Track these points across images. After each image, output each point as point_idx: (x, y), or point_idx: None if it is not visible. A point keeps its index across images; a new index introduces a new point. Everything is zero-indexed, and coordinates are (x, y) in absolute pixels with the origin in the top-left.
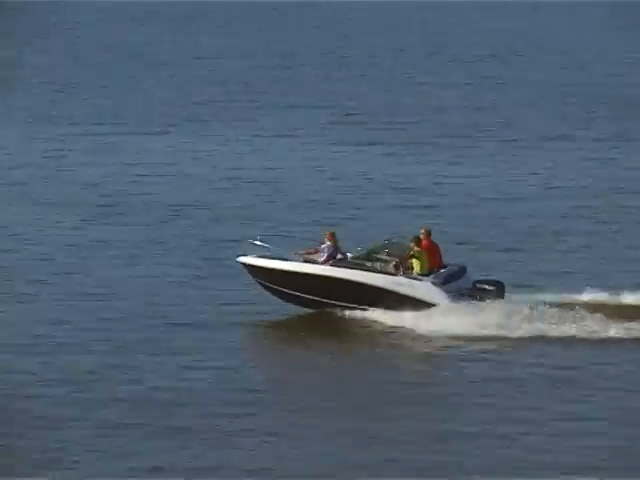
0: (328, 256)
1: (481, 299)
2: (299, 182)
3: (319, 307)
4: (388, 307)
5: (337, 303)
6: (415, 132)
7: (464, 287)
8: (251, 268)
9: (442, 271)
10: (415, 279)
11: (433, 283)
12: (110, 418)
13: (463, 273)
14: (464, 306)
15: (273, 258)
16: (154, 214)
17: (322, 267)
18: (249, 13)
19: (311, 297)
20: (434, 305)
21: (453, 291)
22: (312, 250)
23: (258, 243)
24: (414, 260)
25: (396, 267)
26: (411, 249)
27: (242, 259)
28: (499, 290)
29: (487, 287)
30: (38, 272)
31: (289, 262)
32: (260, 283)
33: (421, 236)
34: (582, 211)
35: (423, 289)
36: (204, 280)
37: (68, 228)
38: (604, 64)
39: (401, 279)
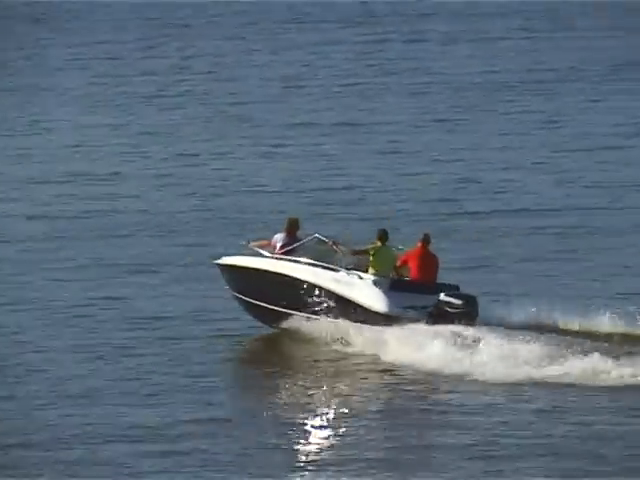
0: (280, 248)
1: (441, 319)
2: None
3: (270, 319)
4: (330, 314)
5: (276, 308)
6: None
7: (428, 304)
8: (223, 273)
9: (402, 278)
10: (357, 276)
11: (375, 283)
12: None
13: (441, 290)
14: (409, 328)
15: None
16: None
17: (251, 259)
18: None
19: (246, 299)
20: (374, 312)
21: (408, 303)
22: (264, 242)
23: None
24: (371, 257)
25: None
26: (373, 245)
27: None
28: (469, 307)
29: (454, 302)
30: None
31: (232, 257)
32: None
33: (418, 243)
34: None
35: (361, 288)
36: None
37: None
38: None
39: (340, 275)
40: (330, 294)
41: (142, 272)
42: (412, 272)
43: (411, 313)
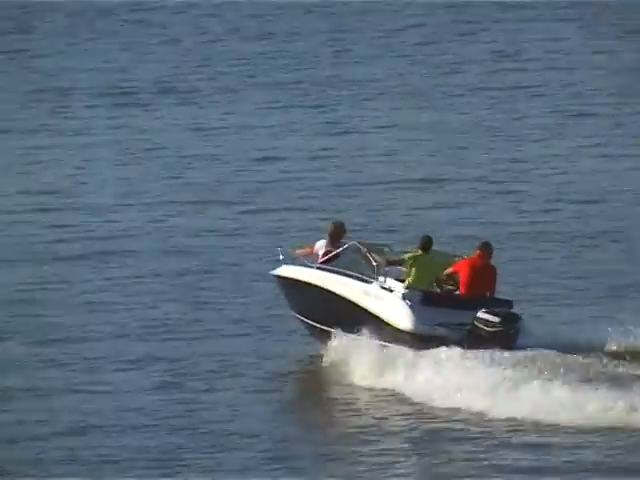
0: (322, 256)
1: (477, 338)
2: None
3: (318, 338)
4: (365, 333)
5: (317, 325)
6: None
7: (467, 321)
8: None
9: (438, 290)
10: (387, 289)
11: (404, 297)
12: None
13: (485, 306)
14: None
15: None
16: None
17: (292, 269)
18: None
19: (297, 316)
20: (399, 330)
21: (442, 320)
22: (308, 249)
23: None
24: (409, 267)
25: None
26: (412, 254)
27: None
28: (507, 326)
29: (490, 319)
30: None
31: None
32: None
33: (477, 251)
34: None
35: (389, 303)
36: None
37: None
38: None
39: (372, 287)
40: (359, 309)
41: None
42: (461, 284)
43: (443, 331)
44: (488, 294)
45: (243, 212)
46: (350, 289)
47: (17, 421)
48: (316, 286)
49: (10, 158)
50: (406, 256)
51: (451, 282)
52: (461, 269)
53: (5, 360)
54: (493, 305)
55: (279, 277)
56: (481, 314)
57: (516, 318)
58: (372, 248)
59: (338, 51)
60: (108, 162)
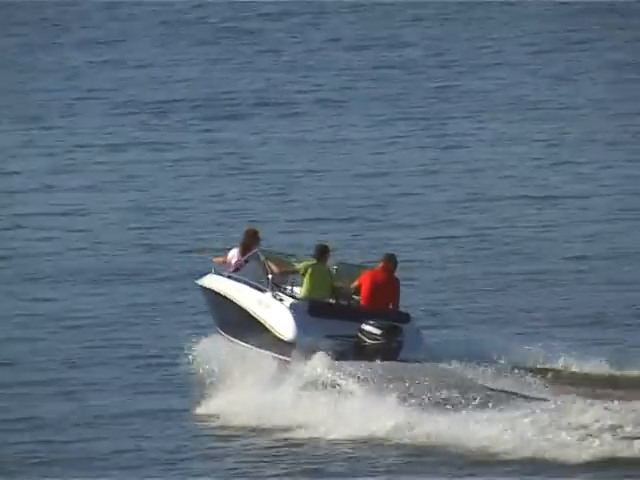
0: (234, 265)
1: (361, 352)
2: None
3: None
4: (257, 344)
5: (233, 340)
6: None
7: (354, 332)
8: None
9: (326, 300)
10: (279, 299)
11: (291, 307)
12: None
13: (375, 317)
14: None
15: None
16: None
17: (213, 278)
18: None
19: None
20: (282, 340)
21: (329, 331)
22: (222, 258)
23: None
24: (302, 278)
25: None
26: (305, 263)
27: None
28: (389, 338)
29: (372, 332)
30: None
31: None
32: None
33: (380, 263)
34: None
35: (276, 312)
36: None
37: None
38: None
39: (265, 296)
40: (252, 318)
41: None
42: (362, 296)
43: (326, 343)
44: (391, 306)
45: (351, 228)
46: (247, 298)
47: None
48: (224, 297)
49: (105, 173)
50: (300, 266)
51: (359, 294)
52: (363, 281)
53: None
54: (384, 317)
55: (202, 288)
56: (365, 326)
57: (398, 331)
58: (272, 257)
59: (446, 61)
60: (205, 177)
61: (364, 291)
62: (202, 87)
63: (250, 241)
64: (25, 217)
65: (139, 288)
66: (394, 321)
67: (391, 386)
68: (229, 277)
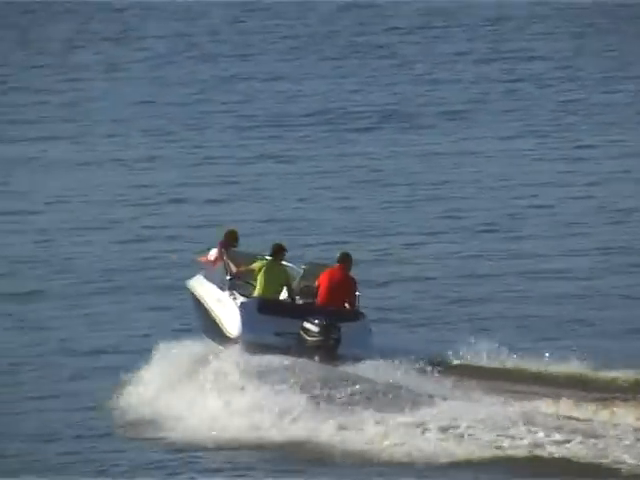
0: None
1: (303, 349)
2: None
3: None
4: (220, 342)
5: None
6: None
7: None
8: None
9: (276, 299)
10: (233, 297)
11: (242, 305)
12: None
13: (322, 314)
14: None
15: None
16: None
17: (196, 280)
18: None
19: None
20: (229, 337)
21: (279, 329)
22: (203, 258)
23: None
24: (256, 277)
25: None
26: (260, 262)
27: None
28: (325, 336)
29: (311, 329)
30: None
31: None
32: None
33: (336, 263)
34: None
35: (228, 311)
36: None
37: None
38: None
39: (223, 295)
40: (212, 318)
41: None
42: (319, 295)
43: (272, 339)
44: (347, 304)
45: (482, 240)
46: (210, 298)
47: None
48: (198, 298)
49: (234, 186)
50: (255, 265)
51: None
52: (321, 280)
53: None
54: (330, 315)
55: (188, 290)
56: (305, 323)
57: (334, 329)
58: (237, 257)
59: (574, 74)
60: (333, 191)
61: (321, 289)
62: (331, 101)
63: (228, 242)
64: (155, 229)
65: None
66: (340, 319)
67: (286, 383)
68: (205, 278)
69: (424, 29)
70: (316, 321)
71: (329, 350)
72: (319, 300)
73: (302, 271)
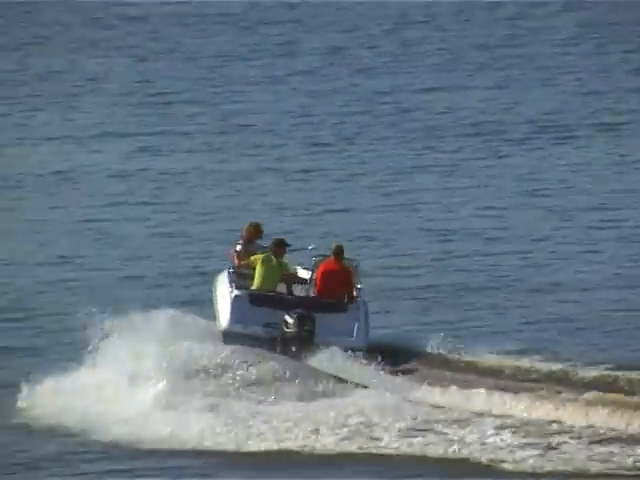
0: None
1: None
2: None
3: None
4: None
5: None
6: None
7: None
8: None
9: (268, 291)
10: (230, 290)
11: (235, 297)
12: None
13: (307, 305)
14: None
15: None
16: None
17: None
18: None
19: None
20: (219, 330)
21: (270, 320)
22: (229, 254)
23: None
24: (254, 270)
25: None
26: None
27: None
28: (300, 328)
29: (288, 321)
30: None
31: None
32: None
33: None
34: None
35: (223, 304)
36: None
37: None
38: None
39: (228, 289)
40: (214, 312)
41: None
42: (316, 287)
43: (257, 330)
44: (346, 294)
45: None
46: (219, 292)
47: None
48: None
49: (391, 197)
50: (255, 257)
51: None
52: (318, 273)
53: None
54: (318, 307)
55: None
56: (285, 316)
57: (308, 320)
58: (256, 249)
59: None
60: (484, 204)
61: (317, 281)
62: (486, 112)
63: (250, 236)
64: (311, 239)
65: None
66: (326, 310)
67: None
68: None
69: (578, 39)
70: (293, 313)
71: (303, 341)
72: (316, 292)
73: (313, 263)
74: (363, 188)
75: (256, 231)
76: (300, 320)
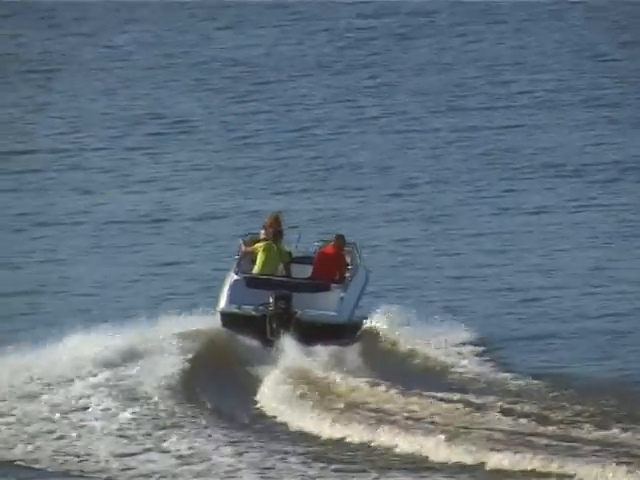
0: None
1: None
2: None
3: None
4: None
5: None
6: None
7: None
8: None
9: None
10: (233, 274)
11: (233, 280)
12: None
13: (293, 286)
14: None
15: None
16: None
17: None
18: None
19: None
20: (218, 310)
21: (264, 299)
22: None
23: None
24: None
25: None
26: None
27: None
28: (277, 305)
29: (270, 300)
30: None
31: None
32: None
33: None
34: None
35: (222, 287)
36: None
37: None
38: None
39: (229, 274)
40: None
41: None
42: (313, 269)
43: (250, 310)
44: (338, 275)
45: None
46: (226, 276)
47: None
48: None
49: (486, 239)
50: (257, 245)
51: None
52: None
53: None
54: (302, 287)
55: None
56: (269, 296)
57: (283, 299)
58: (253, 239)
59: None
60: (577, 245)
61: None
62: (577, 152)
63: (270, 224)
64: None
65: None
66: (309, 289)
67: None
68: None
69: None
70: (272, 293)
71: (279, 318)
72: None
73: (315, 248)
74: (452, 230)
75: (275, 222)
76: (276, 299)
